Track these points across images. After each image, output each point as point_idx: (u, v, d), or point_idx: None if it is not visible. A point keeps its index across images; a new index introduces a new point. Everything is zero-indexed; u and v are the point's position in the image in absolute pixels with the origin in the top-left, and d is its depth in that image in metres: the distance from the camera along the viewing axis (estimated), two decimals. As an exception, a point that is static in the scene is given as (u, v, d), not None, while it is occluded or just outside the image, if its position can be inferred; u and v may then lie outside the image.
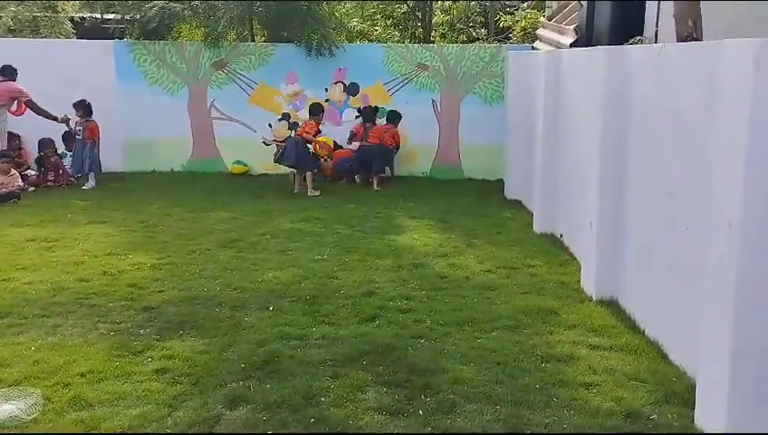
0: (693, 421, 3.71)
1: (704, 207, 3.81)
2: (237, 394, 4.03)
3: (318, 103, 11.00)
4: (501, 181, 10.73)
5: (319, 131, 10.55)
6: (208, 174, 11.42)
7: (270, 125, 11.77)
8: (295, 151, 10.33)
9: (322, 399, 4.01)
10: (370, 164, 10.83)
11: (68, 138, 11.30)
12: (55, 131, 11.04)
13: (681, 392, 4.00)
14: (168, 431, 3.64)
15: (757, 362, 3.30)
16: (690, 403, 3.81)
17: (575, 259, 6.79)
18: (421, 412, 3.86)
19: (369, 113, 11.29)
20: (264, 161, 11.61)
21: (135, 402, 3.94)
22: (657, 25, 7.74)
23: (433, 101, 11.63)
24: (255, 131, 11.73)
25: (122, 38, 12.30)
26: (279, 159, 10.61)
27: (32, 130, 11.08)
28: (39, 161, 11.02)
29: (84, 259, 6.73)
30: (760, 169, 3.23)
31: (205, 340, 4.85)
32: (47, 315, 5.26)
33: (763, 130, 3.21)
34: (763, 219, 3.24)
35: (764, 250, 3.24)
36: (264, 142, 11.70)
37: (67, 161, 11.15)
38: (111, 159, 11.63)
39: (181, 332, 4.99)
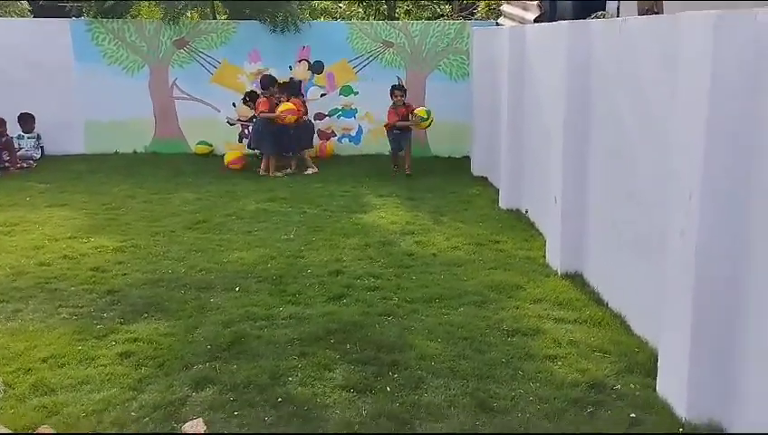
0: (655, 390, 3.78)
1: (665, 181, 3.85)
2: (203, 376, 4.00)
3: (267, 76, 10.71)
4: (467, 158, 10.75)
5: (277, 104, 10.16)
6: (172, 155, 11.24)
7: (234, 104, 11.60)
8: (253, 135, 10.31)
9: (290, 378, 4.00)
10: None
11: (24, 119, 11.01)
12: (4, 110, 10.74)
13: (643, 362, 4.08)
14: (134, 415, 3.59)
15: (715, 332, 3.36)
16: (652, 373, 3.88)
17: (540, 234, 6.85)
18: (389, 389, 3.87)
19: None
20: (228, 141, 11.49)
21: (99, 387, 3.88)
22: (618, 0, 7.77)
23: (398, 78, 11.57)
24: (219, 111, 11.57)
25: (79, 16, 11.98)
26: (249, 146, 10.60)
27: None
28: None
29: (44, 243, 6.59)
30: (719, 143, 3.27)
31: (170, 322, 4.79)
32: (6, 301, 5.15)
33: (721, 105, 3.25)
34: (721, 192, 3.29)
35: (723, 222, 3.29)
36: (228, 122, 11.56)
37: (24, 143, 10.87)
38: (72, 141, 11.40)
39: (146, 314, 4.92)
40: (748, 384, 3.20)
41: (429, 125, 10.13)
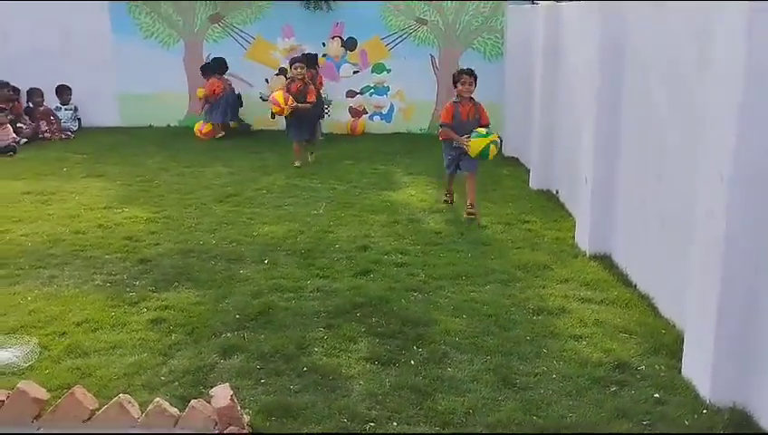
0: (680, 372, 3.76)
1: (695, 162, 3.80)
2: (231, 344, 4.08)
3: (216, 59, 11.13)
4: (499, 138, 10.66)
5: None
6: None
7: (267, 80, 11.67)
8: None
9: (315, 349, 4.06)
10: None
11: (60, 90, 11.21)
12: (43, 81, 10.93)
13: (669, 344, 4.06)
14: (163, 379, 3.69)
15: (742, 315, 3.33)
16: (678, 355, 3.86)
17: (570, 215, 6.81)
18: (412, 362, 3.91)
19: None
20: (260, 116, 11.56)
21: (130, 351, 3.99)
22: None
23: (431, 56, 11.51)
24: (252, 86, 11.64)
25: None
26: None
27: (21, 79, 11.01)
28: (28, 112, 10.93)
29: (80, 212, 6.75)
30: (752, 123, 3.22)
31: (200, 291, 4.89)
32: (43, 266, 5.30)
33: (755, 84, 3.19)
34: (752, 174, 3.24)
35: (753, 205, 3.24)
36: (261, 98, 11.63)
37: (61, 115, 11.08)
38: (107, 113, 11.59)
39: (176, 283, 5.03)
40: (775, 368, 3.17)
41: (483, 152, 6.61)
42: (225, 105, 10.95)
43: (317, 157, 9.60)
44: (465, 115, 6.74)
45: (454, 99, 6.84)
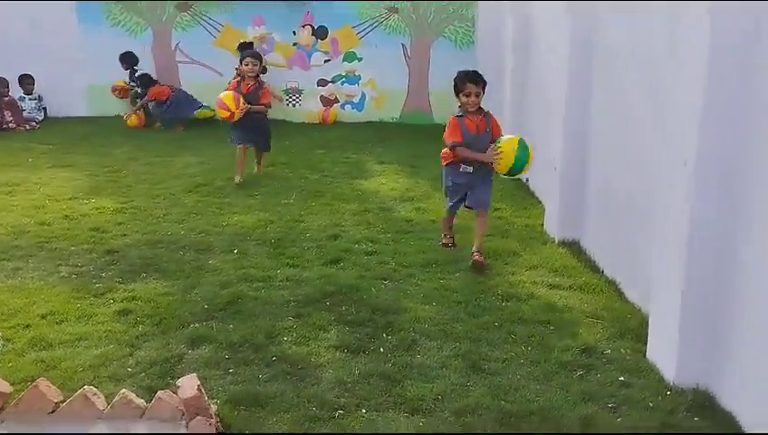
0: (645, 355, 3.82)
1: (661, 148, 3.84)
2: (200, 334, 4.05)
3: (125, 54, 11.05)
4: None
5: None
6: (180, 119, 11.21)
7: (237, 69, 11.54)
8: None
9: (285, 338, 4.05)
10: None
11: (23, 80, 11.00)
12: (8, 71, 10.71)
13: (635, 328, 4.11)
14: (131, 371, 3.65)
15: (705, 299, 3.39)
16: (643, 338, 3.91)
17: (540, 203, 6.86)
18: (382, 350, 3.92)
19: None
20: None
21: (96, 343, 3.94)
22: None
23: (403, 45, 11.49)
24: (222, 75, 11.51)
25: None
26: None
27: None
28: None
29: (45, 203, 6.64)
30: (714, 110, 3.26)
31: (168, 282, 4.84)
32: (7, 259, 5.21)
33: (719, 71, 3.23)
34: (716, 159, 3.29)
35: (717, 190, 3.29)
36: (230, 87, 11.51)
37: (25, 105, 10.87)
38: (75, 103, 11.40)
39: (144, 274, 4.97)
40: (737, 351, 3.22)
41: (518, 160, 5.05)
42: (176, 105, 10.89)
43: (288, 146, 9.53)
44: (475, 129, 5.15)
45: (456, 112, 5.22)
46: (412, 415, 3.28)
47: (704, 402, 3.33)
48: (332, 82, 11.69)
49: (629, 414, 3.28)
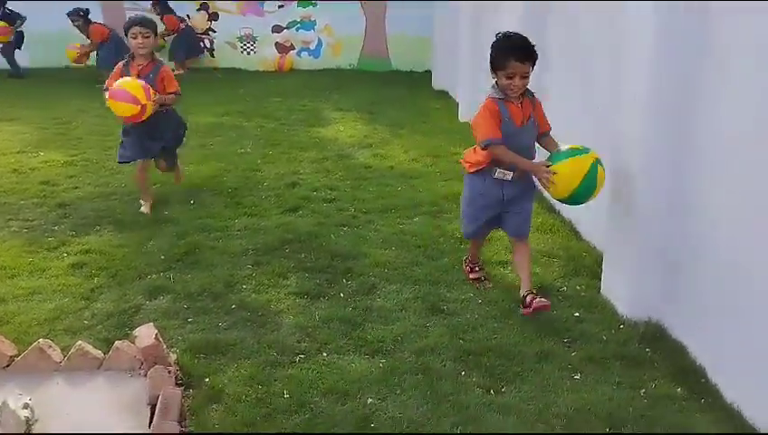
0: (599, 291, 3.90)
1: (618, 91, 3.85)
2: (157, 285, 4.01)
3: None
4: (429, 72, 10.63)
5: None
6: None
7: (188, 16, 11.21)
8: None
9: (244, 286, 4.03)
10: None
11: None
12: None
13: (590, 266, 4.19)
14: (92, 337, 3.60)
15: (657, 234, 3.45)
16: (597, 275, 3.99)
17: (498, 146, 6.87)
18: (342, 295, 3.93)
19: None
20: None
21: (50, 296, 3.86)
22: None
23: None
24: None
25: None
26: None
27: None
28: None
29: (-8, 158, 6.43)
30: (666, 52, 3.28)
31: (123, 234, 4.76)
32: (-46, 215, 5.06)
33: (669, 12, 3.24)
34: (667, 101, 3.31)
35: (670, 127, 3.32)
36: (182, 35, 11.19)
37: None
38: (19, 55, 10.97)
39: (98, 227, 4.87)
40: (687, 285, 3.31)
41: (585, 185, 3.47)
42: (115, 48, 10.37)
43: (243, 94, 9.32)
44: (520, 120, 3.60)
45: (493, 93, 3.62)
46: (372, 357, 3.32)
47: (655, 334, 3.43)
48: (287, 28, 11.46)
49: (583, 348, 3.36)
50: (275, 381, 3.10)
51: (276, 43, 11.42)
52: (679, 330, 3.39)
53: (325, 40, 11.46)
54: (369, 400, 2.97)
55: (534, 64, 3.54)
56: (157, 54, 5.26)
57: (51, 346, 3.11)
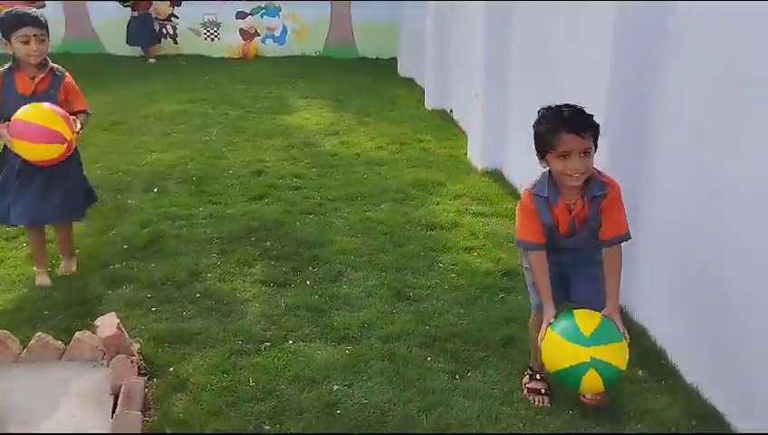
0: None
1: (582, 73, 3.89)
2: (120, 274, 3.95)
3: None
4: (395, 60, 10.61)
5: None
6: (85, 55, 10.65)
7: (150, 1, 11.00)
8: None
9: (209, 275, 3.99)
10: None
11: None
12: None
13: (554, 251, 4.24)
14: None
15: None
16: (561, 260, 4.04)
17: (464, 133, 6.90)
18: (308, 282, 3.92)
19: None
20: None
21: (9, 287, 3.79)
22: None
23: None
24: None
25: None
26: None
27: None
28: None
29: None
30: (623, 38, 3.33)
31: (84, 223, 4.64)
32: None
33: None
34: (629, 81, 3.36)
35: (628, 100, 3.37)
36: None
37: None
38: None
39: (58, 216, 4.77)
40: (646, 269, 3.37)
41: (568, 385, 2.68)
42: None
43: (207, 81, 9.19)
44: (567, 226, 2.73)
45: (537, 183, 2.77)
46: (339, 344, 3.32)
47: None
48: (252, 14, 11.32)
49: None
50: (241, 369, 3.08)
51: (241, 30, 11.28)
52: (640, 313, 3.45)
53: (290, 26, 11.36)
54: (336, 386, 2.97)
55: (597, 139, 2.60)
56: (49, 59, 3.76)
57: (9, 337, 3.05)
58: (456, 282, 3.93)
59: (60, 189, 3.79)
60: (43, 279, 3.86)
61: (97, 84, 8.93)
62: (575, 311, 2.65)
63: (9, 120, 3.50)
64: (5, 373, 2.90)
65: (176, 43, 11.28)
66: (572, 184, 2.58)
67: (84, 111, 3.90)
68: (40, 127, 3.47)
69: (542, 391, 2.94)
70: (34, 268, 3.95)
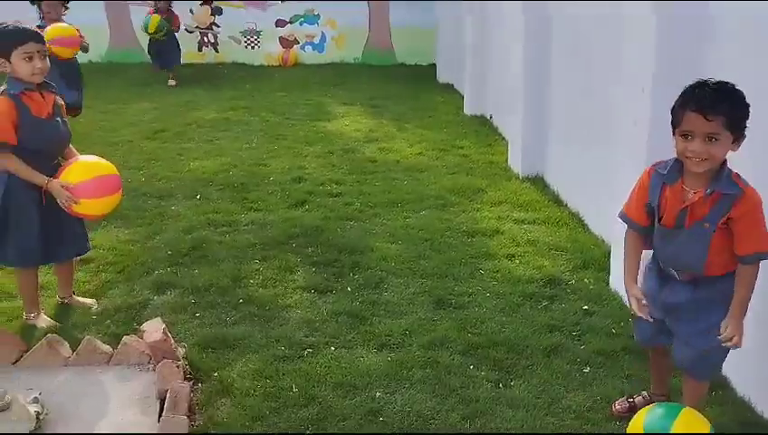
0: (608, 284, 3.89)
1: (620, 77, 3.83)
2: (164, 280, 4.00)
3: None
4: (434, 66, 10.60)
5: None
6: (128, 65, 10.87)
7: (191, 11, 11.19)
8: None
9: (251, 281, 4.03)
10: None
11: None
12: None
13: (598, 259, 4.18)
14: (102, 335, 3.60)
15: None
16: (606, 268, 3.98)
17: (504, 139, 6.86)
18: (349, 289, 3.92)
19: None
20: (188, 49, 11.14)
21: (58, 292, 3.86)
22: None
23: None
24: (177, 18, 11.16)
25: None
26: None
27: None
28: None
29: None
30: (668, 39, 3.27)
31: (130, 230, 4.75)
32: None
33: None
34: (671, 84, 3.29)
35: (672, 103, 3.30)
36: (186, 30, 11.18)
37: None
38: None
39: (105, 223, 4.84)
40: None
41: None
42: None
43: (249, 89, 9.28)
44: (674, 216, 2.43)
45: (659, 165, 2.50)
46: (380, 351, 3.31)
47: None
48: (291, 22, 11.42)
49: (593, 341, 3.35)
50: (283, 375, 3.09)
51: (280, 38, 11.39)
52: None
53: (329, 34, 11.43)
54: (378, 393, 2.97)
55: (739, 127, 2.27)
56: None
57: (59, 341, 3.11)
58: (497, 289, 3.89)
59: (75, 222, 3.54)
60: (46, 322, 3.50)
61: (141, 93, 9.14)
62: (683, 410, 2.32)
63: (27, 148, 3.22)
64: (55, 376, 2.97)
65: (216, 51, 11.44)
66: (693, 169, 2.32)
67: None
68: (107, 177, 3.43)
69: (632, 399, 2.85)
70: (28, 316, 3.52)
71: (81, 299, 3.75)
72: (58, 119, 3.41)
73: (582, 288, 3.89)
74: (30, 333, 3.40)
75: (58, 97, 3.47)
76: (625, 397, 2.89)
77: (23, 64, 3.21)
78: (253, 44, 11.48)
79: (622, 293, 3.73)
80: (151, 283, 3.98)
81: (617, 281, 3.81)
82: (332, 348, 3.33)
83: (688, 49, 3.22)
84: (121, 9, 11.07)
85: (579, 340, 3.38)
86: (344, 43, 11.44)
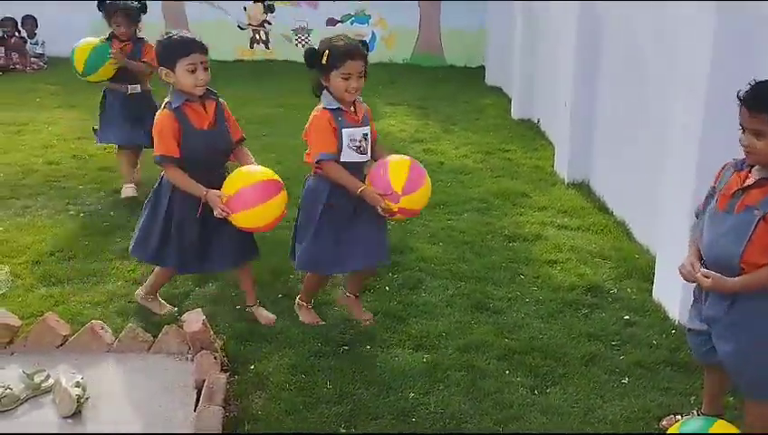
0: (651, 295, 3.81)
1: (671, 86, 3.75)
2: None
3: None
4: (482, 68, 10.53)
5: None
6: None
7: (245, 8, 11.35)
8: None
9: (291, 276, 4.06)
10: None
11: (26, 21, 10.84)
12: (8, 11, 10.57)
13: (642, 268, 4.10)
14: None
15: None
16: (650, 278, 3.90)
17: (550, 144, 6.78)
18: (388, 289, 3.93)
19: None
20: (239, 45, 11.30)
21: (104, 279, 3.97)
22: None
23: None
24: (230, 15, 11.33)
25: None
26: None
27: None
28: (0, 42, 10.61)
29: (53, 143, 6.62)
30: (723, 47, 3.18)
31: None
32: (16, 197, 5.22)
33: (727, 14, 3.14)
34: (723, 89, 3.20)
35: (725, 129, 3.21)
36: (239, 26, 11.35)
37: (29, 47, 10.75)
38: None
39: (152, 213, 4.97)
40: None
41: None
42: None
43: (297, 89, 9.35)
44: (727, 199, 2.47)
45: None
46: (416, 351, 3.31)
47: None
48: (341, 21, 11.46)
49: (632, 352, 3.28)
50: (318, 371, 3.12)
51: (331, 37, 11.48)
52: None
53: (379, 33, 11.45)
54: (412, 394, 2.97)
55: None
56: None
57: (103, 328, 3.19)
58: (537, 295, 3.85)
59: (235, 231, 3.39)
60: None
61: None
62: (716, 422, 2.34)
63: (188, 159, 3.24)
64: (97, 361, 3.04)
65: (267, 48, 11.58)
66: (747, 161, 2.43)
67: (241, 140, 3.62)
68: (253, 186, 3.34)
69: (681, 417, 2.75)
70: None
71: (264, 313, 3.61)
72: (221, 126, 3.38)
73: (625, 298, 3.82)
74: (77, 317, 3.49)
75: (220, 100, 3.44)
76: (673, 414, 2.81)
77: (186, 76, 3.21)
78: (303, 43, 11.56)
79: (666, 304, 3.66)
80: (193, 274, 4.04)
81: (661, 292, 3.73)
82: (368, 347, 3.34)
83: (745, 55, 3.13)
84: (175, 3, 11.27)
85: (618, 350, 3.32)
86: (394, 44, 11.44)
